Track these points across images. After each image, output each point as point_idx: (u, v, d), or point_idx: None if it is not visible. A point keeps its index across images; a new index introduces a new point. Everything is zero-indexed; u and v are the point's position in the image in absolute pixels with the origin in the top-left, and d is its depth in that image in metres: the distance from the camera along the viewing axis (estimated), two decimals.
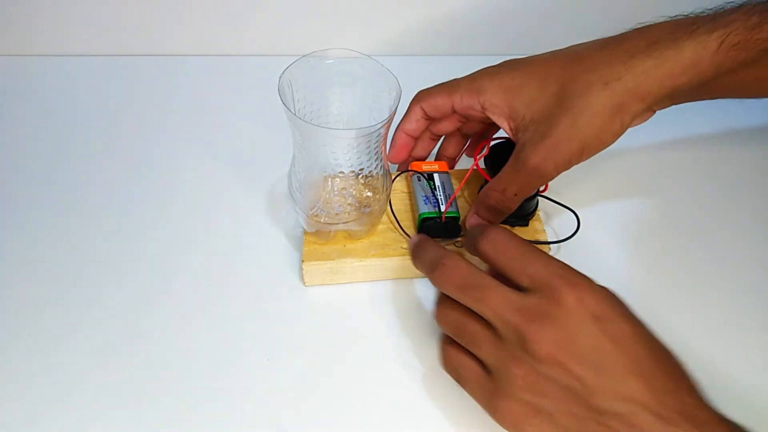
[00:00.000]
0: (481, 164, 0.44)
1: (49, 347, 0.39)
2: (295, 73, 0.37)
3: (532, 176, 0.37)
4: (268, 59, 0.60)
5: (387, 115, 0.36)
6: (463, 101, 0.40)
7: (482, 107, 0.39)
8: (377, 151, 0.39)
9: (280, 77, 0.36)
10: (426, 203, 0.43)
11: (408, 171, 0.46)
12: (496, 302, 0.31)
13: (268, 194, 0.49)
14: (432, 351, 0.39)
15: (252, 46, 0.63)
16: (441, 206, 0.43)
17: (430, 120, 0.43)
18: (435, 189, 0.44)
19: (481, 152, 0.43)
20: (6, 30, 0.61)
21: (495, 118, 0.39)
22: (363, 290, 0.43)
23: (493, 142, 0.44)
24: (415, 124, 0.43)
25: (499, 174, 0.39)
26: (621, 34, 0.37)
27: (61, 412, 0.36)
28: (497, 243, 0.33)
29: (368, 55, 0.38)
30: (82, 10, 0.59)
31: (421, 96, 0.42)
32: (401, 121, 0.44)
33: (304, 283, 0.43)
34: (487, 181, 0.42)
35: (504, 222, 0.44)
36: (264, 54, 0.63)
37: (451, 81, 0.42)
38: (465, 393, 0.33)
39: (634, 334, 0.30)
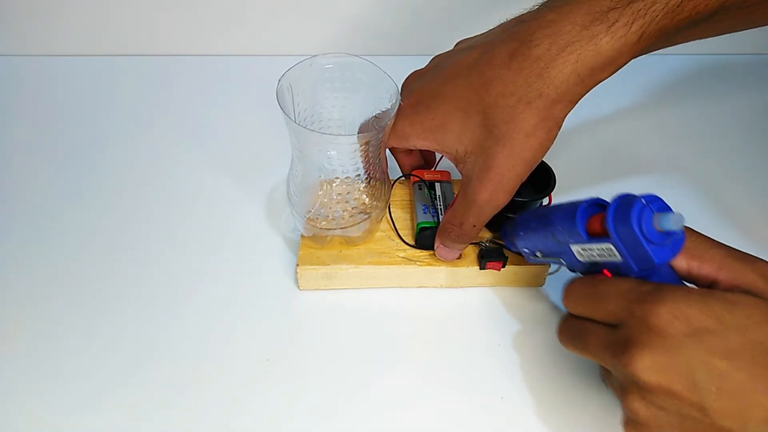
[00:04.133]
0: None
1: (47, 348, 0.39)
2: (294, 77, 0.36)
3: (485, 209, 0.37)
4: (268, 59, 0.61)
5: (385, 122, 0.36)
6: (395, 145, 0.39)
7: (415, 148, 0.39)
8: (376, 158, 0.38)
9: (278, 81, 0.35)
10: (425, 212, 0.42)
11: (409, 176, 0.45)
12: (593, 346, 0.31)
13: (268, 197, 0.49)
14: (420, 360, 0.39)
15: (251, 46, 0.63)
16: (440, 216, 0.42)
17: None
18: (435, 198, 0.43)
19: None
20: (5, 30, 0.61)
21: (435, 152, 0.39)
22: (357, 297, 0.42)
23: None
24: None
25: (454, 207, 0.38)
26: (524, 33, 0.33)
27: (60, 407, 0.36)
28: (572, 297, 0.33)
29: (369, 60, 0.37)
30: (79, 11, 0.60)
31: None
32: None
33: (298, 287, 0.42)
34: None
35: None
36: (264, 54, 0.63)
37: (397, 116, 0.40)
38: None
39: (746, 343, 0.27)
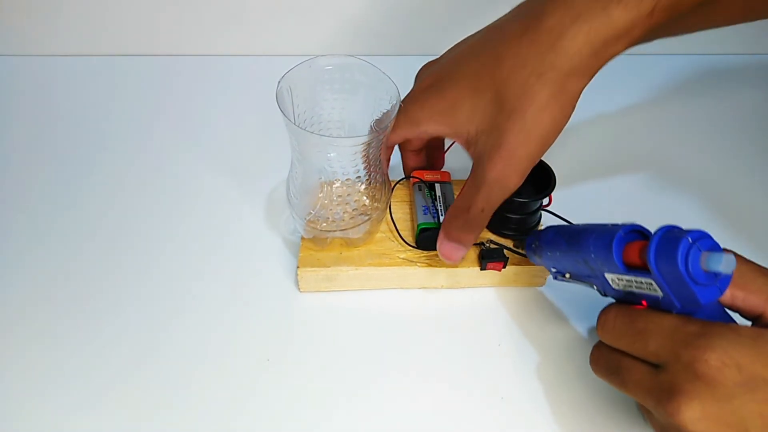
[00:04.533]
0: None
1: (46, 348, 0.39)
2: (294, 79, 0.36)
3: (495, 190, 0.35)
4: (268, 59, 0.60)
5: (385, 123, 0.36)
6: (407, 134, 0.38)
7: (426, 134, 0.38)
8: (375, 159, 0.38)
9: (278, 83, 0.35)
10: (425, 213, 0.42)
11: (409, 178, 0.45)
12: (632, 385, 0.30)
13: (268, 199, 0.49)
14: (420, 361, 0.39)
15: (251, 46, 0.63)
16: (440, 217, 0.42)
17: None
18: (435, 199, 0.43)
19: None
20: (5, 30, 0.61)
21: (446, 138, 0.37)
22: (357, 298, 0.42)
23: None
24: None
25: (462, 192, 0.37)
26: (536, 7, 0.32)
27: (60, 406, 0.36)
28: (608, 329, 0.32)
29: (368, 61, 0.37)
30: (78, 11, 0.60)
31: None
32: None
33: (299, 289, 0.42)
34: None
35: (506, 236, 0.43)
36: (264, 54, 0.63)
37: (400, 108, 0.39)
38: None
39: None
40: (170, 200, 0.49)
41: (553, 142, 0.34)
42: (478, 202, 0.36)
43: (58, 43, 0.62)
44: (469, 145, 0.36)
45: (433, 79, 0.36)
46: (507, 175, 0.34)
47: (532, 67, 0.32)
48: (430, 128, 0.37)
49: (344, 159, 0.37)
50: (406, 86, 0.39)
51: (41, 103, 0.58)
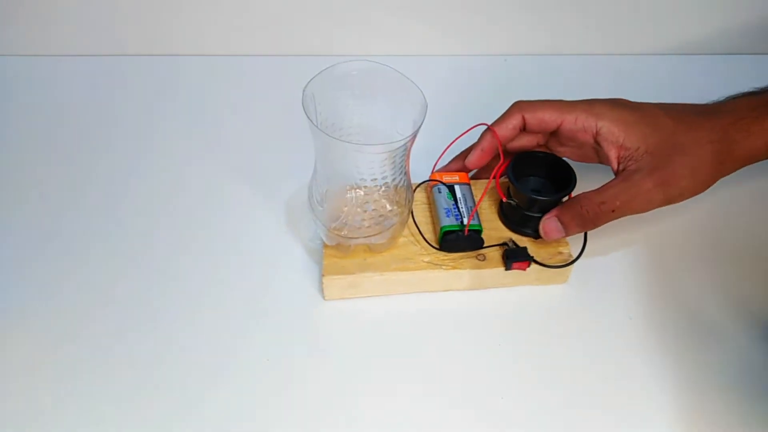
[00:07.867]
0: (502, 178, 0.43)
1: (56, 346, 0.39)
2: (318, 85, 0.36)
3: (640, 198, 0.39)
4: (284, 60, 0.59)
5: (411, 129, 0.35)
6: (577, 122, 0.41)
7: (596, 131, 0.41)
8: (401, 165, 0.38)
9: (303, 91, 0.35)
10: (448, 215, 0.42)
11: (429, 181, 0.45)
12: None
13: (287, 205, 0.48)
14: (457, 367, 0.39)
15: (268, 46, 0.62)
16: (464, 219, 0.42)
17: (521, 132, 0.43)
18: (457, 201, 0.43)
19: (497, 171, 0.44)
20: (6, 30, 0.60)
21: (605, 144, 0.41)
22: (383, 304, 0.42)
23: (516, 154, 0.44)
24: (509, 132, 0.43)
25: (604, 188, 0.40)
26: (714, 107, 0.42)
27: (61, 410, 0.36)
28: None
29: (392, 67, 0.37)
30: (81, 11, 0.59)
31: (525, 107, 0.42)
32: (494, 124, 0.43)
33: (323, 296, 0.42)
34: (505, 200, 0.43)
35: (522, 233, 0.43)
36: (280, 54, 0.61)
37: (558, 101, 0.42)
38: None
39: None
40: (183, 206, 0.48)
41: (686, 197, 0.40)
42: (616, 201, 0.39)
43: (59, 44, 0.61)
44: (626, 159, 0.40)
45: (622, 101, 0.42)
46: (656, 192, 0.39)
47: (707, 135, 0.40)
48: (607, 126, 0.40)
49: (373, 165, 0.37)
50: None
51: (43, 104, 0.57)
